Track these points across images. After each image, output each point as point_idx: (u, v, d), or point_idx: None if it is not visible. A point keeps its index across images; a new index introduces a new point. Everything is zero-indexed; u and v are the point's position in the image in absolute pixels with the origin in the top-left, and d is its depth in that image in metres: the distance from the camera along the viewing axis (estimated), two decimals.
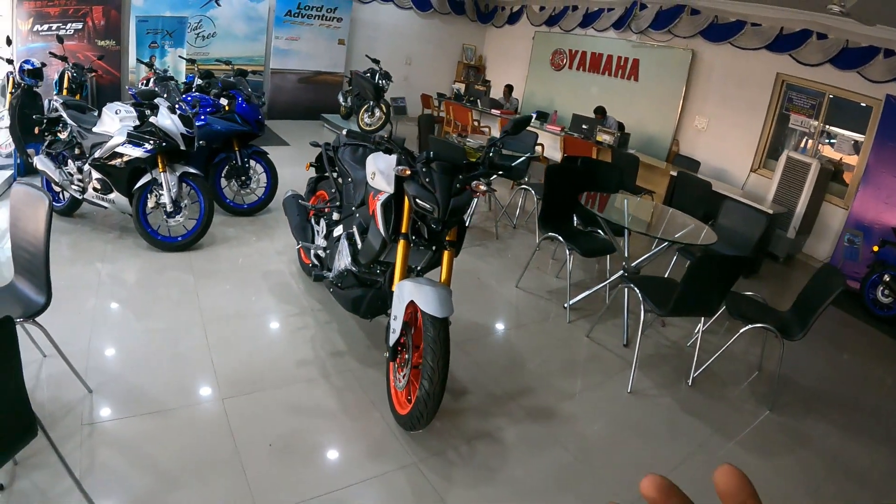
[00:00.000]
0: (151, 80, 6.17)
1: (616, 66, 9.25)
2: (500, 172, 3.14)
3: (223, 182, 5.06)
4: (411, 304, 2.57)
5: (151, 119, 3.99)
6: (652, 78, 8.80)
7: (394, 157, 2.83)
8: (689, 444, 3.09)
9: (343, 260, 3.10)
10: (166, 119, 4.01)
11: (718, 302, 3.67)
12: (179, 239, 4.27)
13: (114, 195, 4.21)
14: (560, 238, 4.34)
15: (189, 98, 4.71)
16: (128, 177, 4.11)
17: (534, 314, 4.36)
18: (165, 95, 4.34)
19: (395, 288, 2.67)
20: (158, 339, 3.21)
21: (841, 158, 7.17)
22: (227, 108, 4.90)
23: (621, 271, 4.36)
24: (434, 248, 2.87)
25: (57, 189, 4.51)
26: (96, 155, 4.09)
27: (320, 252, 3.63)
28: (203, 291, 3.79)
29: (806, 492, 2.95)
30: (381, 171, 2.81)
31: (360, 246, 3.03)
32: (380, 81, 8.22)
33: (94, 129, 4.18)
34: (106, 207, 4.32)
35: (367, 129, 8.54)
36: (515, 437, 2.89)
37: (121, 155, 4.02)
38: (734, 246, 4.49)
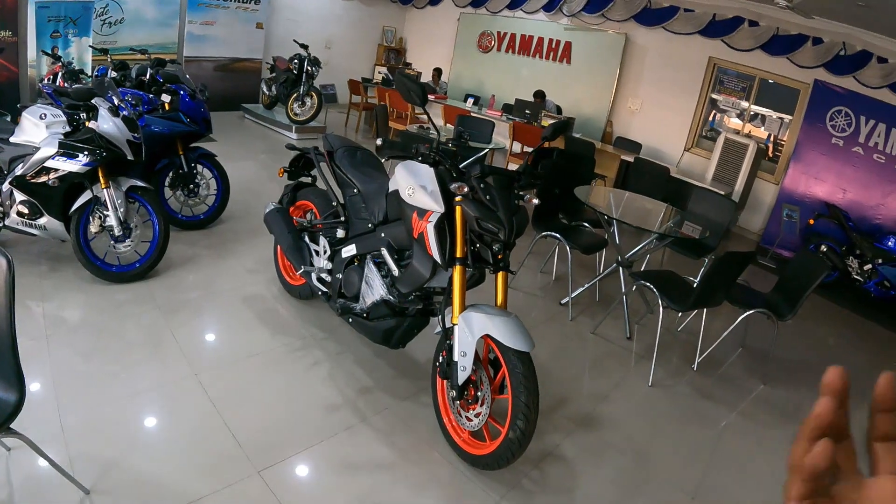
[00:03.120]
0: (59, 74, 5.27)
1: (547, 49, 9.19)
2: (540, 182, 2.90)
3: (167, 192, 4.40)
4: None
5: (90, 124, 3.33)
6: (585, 61, 8.84)
7: (432, 170, 2.50)
8: (714, 425, 3.32)
9: (377, 290, 2.71)
10: (108, 123, 3.34)
11: (726, 293, 3.75)
12: (136, 265, 3.62)
13: (45, 220, 3.45)
14: (559, 237, 4.19)
15: (127, 95, 4.00)
16: (62, 196, 3.39)
17: (536, 315, 4.21)
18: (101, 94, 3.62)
19: (457, 320, 2.36)
20: (146, 403, 2.59)
21: (749, 131, 7.62)
22: (167, 105, 4.24)
23: (615, 264, 4.31)
24: (477, 267, 2.57)
25: None
26: (18, 172, 3.31)
27: (325, 276, 3.20)
28: (179, 331, 3.19)
29: None
30: (423, 185, 2.46)
31: (395, 271, 2.67)
32: (308, 68, 7.63)
33: (13, 140, 3.39)
34: (35, 235, 3.54)
35: (298, 118, 7.94)
36: (574, 451, 2.81)
37: (51, 170, 3.30)
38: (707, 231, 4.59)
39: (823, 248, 6.17)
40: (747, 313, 3.72)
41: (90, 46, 6.87)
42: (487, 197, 2.30)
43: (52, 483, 2.04)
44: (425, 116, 7.97)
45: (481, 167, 2.38)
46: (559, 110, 8.31)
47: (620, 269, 4.27)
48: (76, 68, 5.23)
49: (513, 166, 6.31)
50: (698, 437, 3.15)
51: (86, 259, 3.48)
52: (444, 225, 2.41)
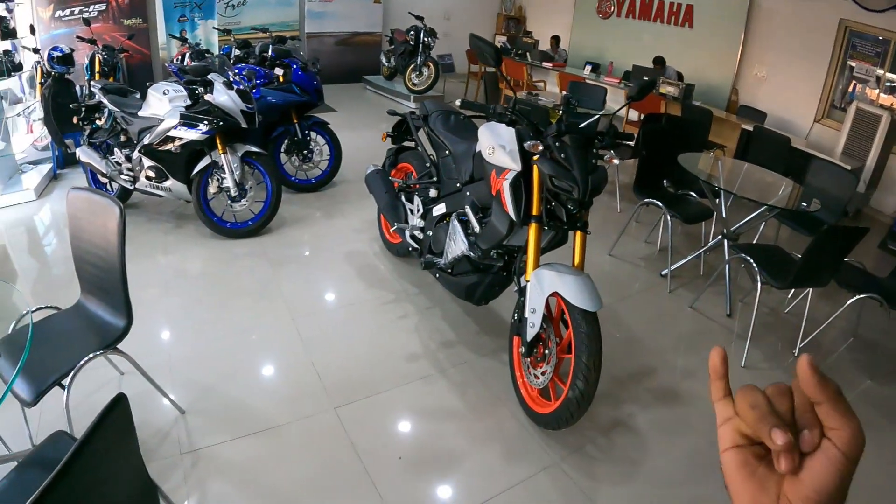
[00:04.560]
0: (186, 55, 5.82)
1: (668, 13, 8.67)
2: (627, 142, 2.81)
3: (283, 157, 4.76)
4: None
5: (207, 97, 3.67)
6: (708, 24, 8.25)
7: (512, 130, 2.52)
8: None
9: (459, 245, 2.81)
10: (223, 95, 3.68)
11: (832, 273, 3.42)
12: (249, 223, 3.99)
13: (170, 182, 3.91)
14: (661, 205, 4.05)
15: (242, 70, 4.37)
16: (184, 161, 3.81)
17: (634, 284, 4.11)
18: (218, 69, 3.98)
19: (530, 277, 2.39)
20: (246, 342, 2.92)
21: (892, 104, 6.68)
22: (281, 78, 4.56)
23: (720, 236, 4.08)
24: (554, 226, 2.57)
25: (104, 180, 4.20)
26: (146, 141, 3.76)
27: (417, 233, 3.35)
28: (284, 281, 3.52)
29: None
30: (502, 145, 2.49)
31: (477, 229, 2.74)
32: (424, 38, 7.80)
33: (141, 114, 3.84)
34: (161, 196, 4.02)
35: (415, 88, 8.17)
36: (648, 424, 2.72)
37: (175, 139, 3.69)
38: (824, 206, 4.19)
39: None
40: (855, 298, 3.36)
41: (214, 28, 7.46)
42: (562, 156, 2.29)
43: (154, 403, 2.38)
44: (541, 84, 7.86)
45: (558, 127, 2.37)
46: (680, 77, 7.83)
47: (725, 241, 4.04)
48: (202, 48, 5.72)
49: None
50: None
51: (205, 216, 3.89)
52: (520, 183, 2.44)
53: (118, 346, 2.09)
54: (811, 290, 3.64)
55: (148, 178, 3.92)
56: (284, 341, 2.95)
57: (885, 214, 6.67)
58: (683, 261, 4.31)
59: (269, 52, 5.18)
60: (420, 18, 7.94)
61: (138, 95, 4.13)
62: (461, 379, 2.82)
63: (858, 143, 6.23)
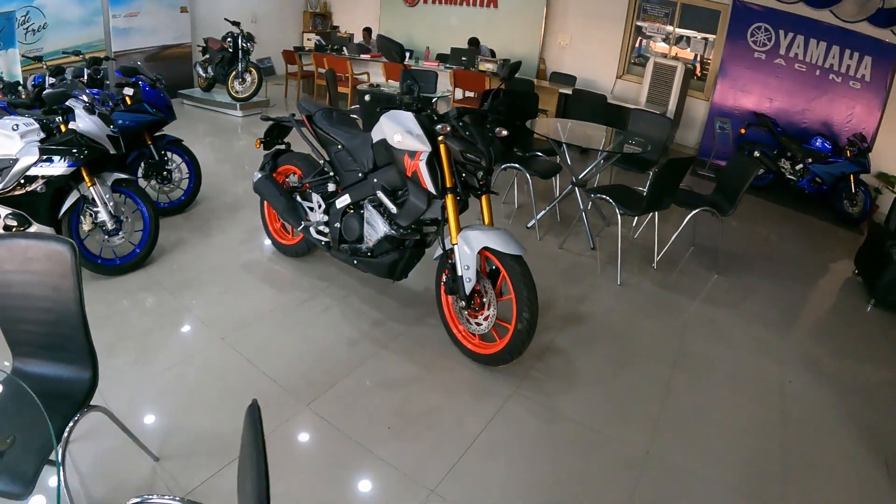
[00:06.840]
0: None
1: None
2: (501, 117, 3.24)
3: (142, 182, 4.53)
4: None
5: (72, 125, 3.44)
6: (511, 3, 9.10)
7: (412, 115, 2.83)
8: (681, 312, 3.88)
9: (380, 227, 3.06)
10: (86, 121, 3.47)
11: (672, 197, 4.21)
12: (136, 252, 3.78)
13: (35, 228, 3.51)
14: (520, 167, 4.60)
15: (96, 93, 4.09)
16: (48, 202, 3.48)
17: None
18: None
19: (456, 241, 2.74)
20: (188, 373, 2.79)
21: (676, 54, 8.05)
22: (128, 99, 4.35)
23: (570, 185, 4.75)
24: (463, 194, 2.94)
25: None
26: (0, 187, 3.44)
27: (323, 228, 3.51)
28: (194, 306, 3.40)
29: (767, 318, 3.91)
30: (409, 130, 2.79)
31: (394, 210, 3.00)
32: (243, 44, 7.65)
33: None
34: None
35: (240, 96, 7.98)
36: (568, 343, 3.30)
37: (35, 178, 3.40)
38: (647, 146, 5.05)
39: (757, 153, 6.75)
40: (693, 212, 4.22)
41: (23, 56, 6.67)
42: (467, 133, 2.67)
43: (122, 459, 2.22)
44: (365, 76, 8.11)
45: (457, 110, 2.74)
46: (493, 54, 8.58)
47: (576, 189, 4.71)
48: (12, 81, 5.17)
49: None
50: (669, 322, 3.70)
51: (84, 259, 3.57)
52: (434, 161, 2.75)
53: (93, 403, 1.89)
54: (657, 215, 4.41)
55: (7, 228, 3.53)
56: (224, 362, 2.90)
57: (688, 147, 8.07)
58: (543, 212, 4.95)
59: (86, 76, 4.86)
60: (236, 24, 7.78)
61: None
62: (404, 348, 3.09)
63: (659, 92, 7.42)
